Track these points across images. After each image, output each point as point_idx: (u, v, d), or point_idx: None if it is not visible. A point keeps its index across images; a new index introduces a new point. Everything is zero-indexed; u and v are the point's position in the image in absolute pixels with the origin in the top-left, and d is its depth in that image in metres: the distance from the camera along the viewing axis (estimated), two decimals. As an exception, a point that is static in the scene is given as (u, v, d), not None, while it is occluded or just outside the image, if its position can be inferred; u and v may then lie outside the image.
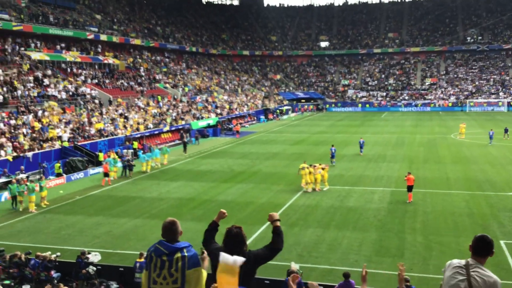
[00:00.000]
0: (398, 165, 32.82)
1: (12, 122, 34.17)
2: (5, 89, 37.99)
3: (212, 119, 57.06)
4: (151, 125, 45.95)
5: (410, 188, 23.37)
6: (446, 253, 16.22)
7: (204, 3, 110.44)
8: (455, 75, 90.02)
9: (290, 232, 18.64)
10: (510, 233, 18.41)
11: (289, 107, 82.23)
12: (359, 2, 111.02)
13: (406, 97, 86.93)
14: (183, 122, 51.00)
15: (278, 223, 4.78)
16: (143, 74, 62.07)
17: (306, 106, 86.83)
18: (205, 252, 4.71)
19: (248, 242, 4.61)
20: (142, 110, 49.40)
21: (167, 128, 47.69)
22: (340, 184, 27.64)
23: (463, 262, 3.97)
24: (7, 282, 13.49)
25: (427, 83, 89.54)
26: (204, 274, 4.34)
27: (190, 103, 59.97)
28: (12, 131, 33.01)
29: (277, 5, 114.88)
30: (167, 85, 63.57)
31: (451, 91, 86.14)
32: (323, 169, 26.56)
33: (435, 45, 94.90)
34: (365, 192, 25.80)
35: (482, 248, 3.98)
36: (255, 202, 24.26)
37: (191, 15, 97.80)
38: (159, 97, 55.89)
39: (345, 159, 35.79)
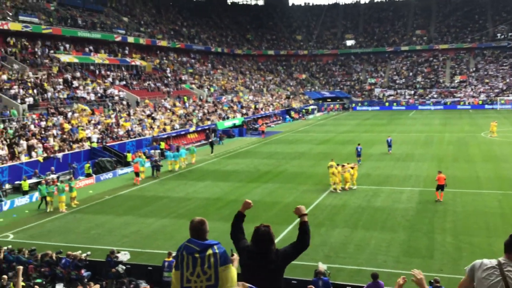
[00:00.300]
0: (427, 164, 32.29)
1: (43, 123, 34.93)
2: (35, 91, 38.87)
3: (237, 119, 57.21)
4: (177, 126, 46.34)
5: (441, 188, 22.96)
6: (477, 253, 15.86)
7: (229, 3, 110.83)
8: (485, 72, 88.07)
9: (317, 232, 18.51)
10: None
11: (315, 107, 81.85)
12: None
13: (435, 95, 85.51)
14: (209, 123, 51.29)
15: (306, 218, 4.72)
16: (169, 75, 62.67)
17: (332, 106, 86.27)
18: (235, 254, 4.69)
19: (275, 241, 4.59)
20: (168, 111, 49.88)
21: (193, 128, 48.02)
22: (367, 183, 27.33)
23: (494, 261, 3.85)
24: (38, 280, 13.77)
25: (456, 81, 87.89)
26: (235, 271, 4.33)
27: (216, 104, 60.26)
28: (43, 132, 33.74)
29: (302, 4, 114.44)
30: (193, 85, 64.03)
31: (481, 88, 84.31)
32: (352, 168, 26.32)
33: (464, 42, 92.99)
34: (393, 191, 25.46)
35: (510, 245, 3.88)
36: (281, 201, 24.21)
37: (216, 15, 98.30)
38: (185, 97, 56.33)
39: (372, 158, 35.41)
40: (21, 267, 7.01)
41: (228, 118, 56.06)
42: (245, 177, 30.77)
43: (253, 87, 79.44)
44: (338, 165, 26.53)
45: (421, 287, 4.70)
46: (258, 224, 4.56)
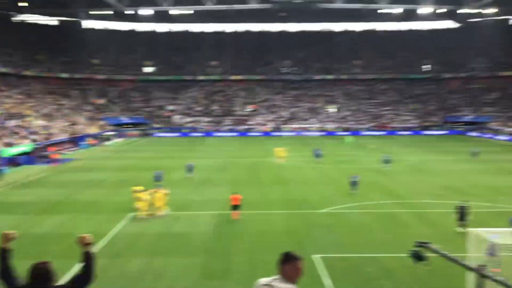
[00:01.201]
0: (224, 189, 33.57)
1: None
2: None
3: (27, 146, 52.21)
4: (-50, 154, 40.21)
5: (236, 208, 24.38)
6: (269, 270, 16.61)
7: (13, 21, 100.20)
8: (273, 103, 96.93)
9: (113, 263, 17.69)
10: (322, 247, 20.04)
11: (114, 133, 79.51)
12: (183, 30, 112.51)
13: (230, 123, 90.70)
14: (-9, 150, 45.70)
15: (91, 248, 4.38)
16: None
17: (131, 132, 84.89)
18: None
19: (66, 277, 4.16)
20: None
21: (-29, 156, 42.23)
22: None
23: (270, 279, 4.07)
24: None
25: (248, 110, 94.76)
26: None
27: (2, 129, 54.14)
28: None
29: (97, 28, 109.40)
30: (-29, 108, 56.61)
31: (269, 117, 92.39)
32: (161, 192, 26.12)
33: (254, 74, 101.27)
34: (191, 216, 25.90)
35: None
36: (74, 233, 22.33)
37: (0, 33, 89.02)
38: (-40, 121, 49.40)
39: (172, 184, 35.54)
40: None
41: (15, 144, 50.73)
42: (34, 208, 27.99)
43: (44, 112, 73.63)
44: (145, 190, 26.09)
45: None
46: (47, 260, 4.15)
